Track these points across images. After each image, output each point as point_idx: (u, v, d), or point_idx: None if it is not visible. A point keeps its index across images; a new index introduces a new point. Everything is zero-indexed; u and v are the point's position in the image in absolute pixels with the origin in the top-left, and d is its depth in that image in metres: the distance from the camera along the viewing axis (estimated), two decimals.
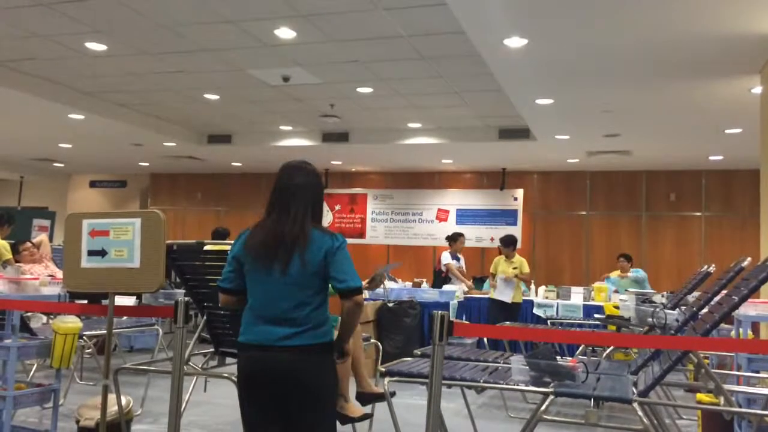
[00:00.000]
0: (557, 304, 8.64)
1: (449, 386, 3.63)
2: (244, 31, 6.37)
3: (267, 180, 14.66)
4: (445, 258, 9.35)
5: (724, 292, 3.76)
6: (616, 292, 8.73)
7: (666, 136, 9.53)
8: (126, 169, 15.39)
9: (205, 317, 4.05)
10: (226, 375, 3.69)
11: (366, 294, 6.04)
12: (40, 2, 5.84)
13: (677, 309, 4.34)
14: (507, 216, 13.18)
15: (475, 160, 12.36)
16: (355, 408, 3.91)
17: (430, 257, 13.73)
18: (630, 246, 12.10)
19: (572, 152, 11.02)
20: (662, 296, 5.67)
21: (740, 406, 3.90)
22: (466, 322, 8.30)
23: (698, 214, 12.33)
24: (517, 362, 3.55)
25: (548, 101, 7.77)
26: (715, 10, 5.00)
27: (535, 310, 8.62)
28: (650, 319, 4.20)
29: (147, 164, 14.44)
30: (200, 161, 13.41)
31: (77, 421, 4.28)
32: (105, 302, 3.83)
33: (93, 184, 16.39)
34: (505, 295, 8.26)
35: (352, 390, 3.81)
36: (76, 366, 6.30)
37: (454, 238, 9.45)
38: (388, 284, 9.05)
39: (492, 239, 12.72)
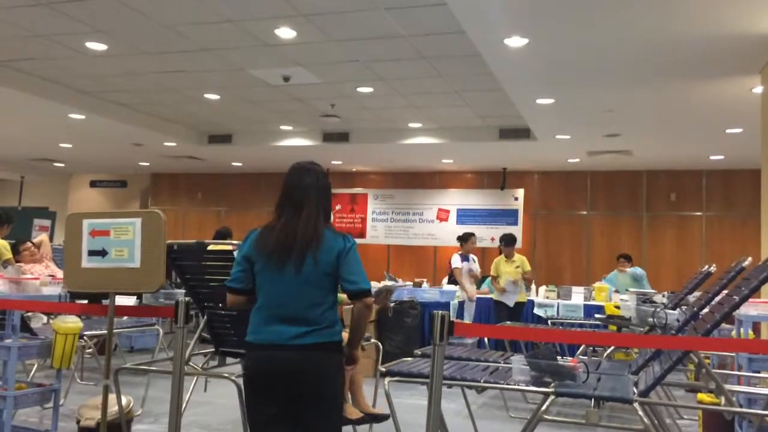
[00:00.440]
0: (558, 304, 8.64)
1: (450, 386, 3.63)
2: (245, 30, 6.37)
3: (267, 180, 14.69)
4: (455, 261, 8.74)
5: (725, 292, 3.75)
6: (617, 291, 8.73)
7: (667, 136, 9.53)
8: (126, 169, 15.40)
9: (205, 317, 4.05)
10: (226, 375, 3.69)
11: None
12: (41, 2, 5.84)
13: (678, 309, 4.33)
14: (507, 216, 13.18)
15: (475, 160, 12.36)
16: (353, 410, 3.93)
17: (431, 257, 13.73)
18: (630, 246, 12.10)
19: (573, 152, 11.02)
20: (663, 296, 5.67)
21: (741, 406, 3.90)
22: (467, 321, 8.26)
23: (699, 213, 12.33)
24: (518, 362, 3.55)
25: (549, 101, 7.77)
26: (715, 11, 5.00)
27: (536, 310, 8.62)
28: (651, 319, 4.20)
29: (147, 164, 14.45)
30: (201, 161, 13.41)
31: (78, 421, 4.27)
32: (105, 302, 3.83)
33: (93, 184, 16.39)
34: (511, 299, 8.16)
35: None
36: (76, 366, 6.29)
37: (465, 239, 8.84)
38: (388, 284, 9.04)
39: (492, 239, 12.71)
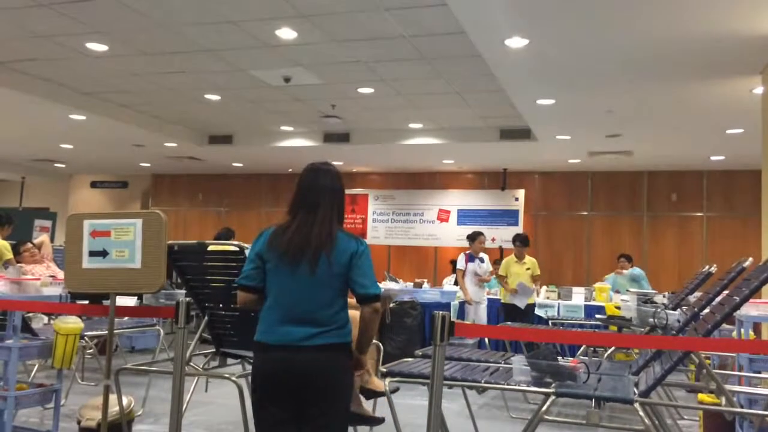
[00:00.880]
0: (558, 304, 8.63)
1: (450, 386, 3.63)
2: (246, 31, 6.38)
3: (268, 180, 14.69)
4: (459, 262, 8.41)
5: (726, 292, 3.76)
6: (617, 292, 8.72)
7: (667, 137, 9.53)
8: (127, 169, 15.41)
9: (206, 318, 4.05)
10: (227, 375, 3.69)
11: None
12: (42, 3, 5.84)
13: (678, 309, 4.33)
14: (508, 216, 13.18)
15: (476, 160, 12.36)
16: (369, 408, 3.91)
17: (432, 258, 13.73)
18: (631, 246, 12.10)
19: (573, 152, 11.02)
20: (663, 297, 5.66)
21: (742, 407, 3.90)
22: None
23: (699, 214, 12.33)
24: (519, 363, 3.55)
25: (549, 101, 7.77)
26: (716, 12, 5.00)
27: (537, 311, 8.61)
28: (651, 320, 4.20)
29: (148, 165, 14.46)
30: (201, 162, 13.42)
31: (78, 422, 4.28)
32: (106, 303, 3.83)
33: (94, 185, 16.40)
34: (523, 301, 8.04)
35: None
36: (77, 366, 6.29)
37: (472, 238, 8.44)
38: (389, 284, 9.04)
39: (493, 239, 12.71)
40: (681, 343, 3.28)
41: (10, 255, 6.82)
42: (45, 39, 6.82)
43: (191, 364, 3.87)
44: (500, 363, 4.09)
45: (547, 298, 8.93)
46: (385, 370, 3.65)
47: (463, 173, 13.64)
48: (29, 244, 7.26)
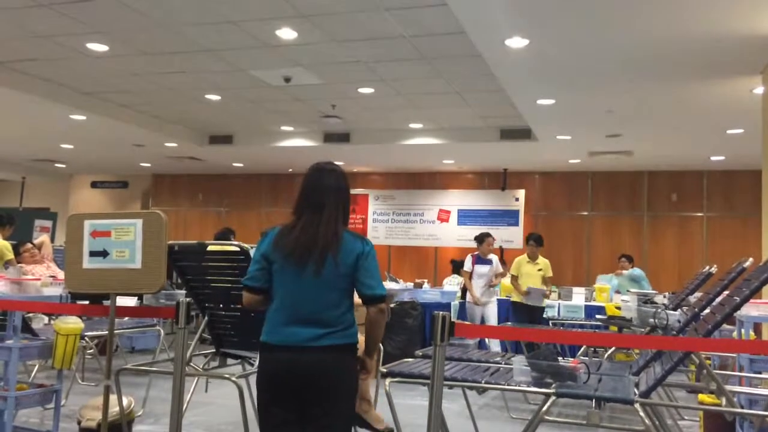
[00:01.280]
0: (559, 304, 8.62)
1: (451, 387, 3.63)
2: (246, 31, 6.38)
3: (268, 180, 14.70)
4: (466, 264, 8.21)
5: (726, 292, 3.75)
6: (618, 292, 8.72)
7: (667, 137, 9.53)
8: (127, 169, 15.41)
9: (206, 318, 4.05)
10: (227, 376, 3.69)
11: None
12: (42, 3, 5.84)
13: (679, 310, 4.33)
14: (508, 216, 13.18)
15: (476, 160, 12.36)
16: (379, 417, 3.90)
17: (432, 258, 13.73)
18: (631, 246, 12.10)
19: (574, 152, 11.02)
20: (664, 297, 5.66)
21: (742, 407, 3.89)
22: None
23: (700, 214, 12.32)
24: (519, 363, 3.55)
25: (550, 102, 7.77)
26: (716, 12, 5.00)
27: None
28: (652, 320, 4.20)
29: (148, 165, 14.46)
30: (201, 162, 13.42)
31: (79, 422, 4.28)
32: (106, 303, 3.83)
33: (94, 185, 16.40)
34: (537, 301, 7.86)
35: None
36: (77, 367, 6.29)
37: (480, 239, 8.23)
38: (390, 285, 9.03)
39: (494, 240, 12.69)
40: (681, 343, 3.28)
41: (11, 255, 6.82)
42: (45, 39, 6.82)
43: (191, 364, 3.87)
44: (500, 363, 4.09)
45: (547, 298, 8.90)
46: (385, 370, 3.65)
47: (463, 173, 13.64)
48: (29, 245, 7.26)
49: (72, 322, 3.92)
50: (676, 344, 3.30)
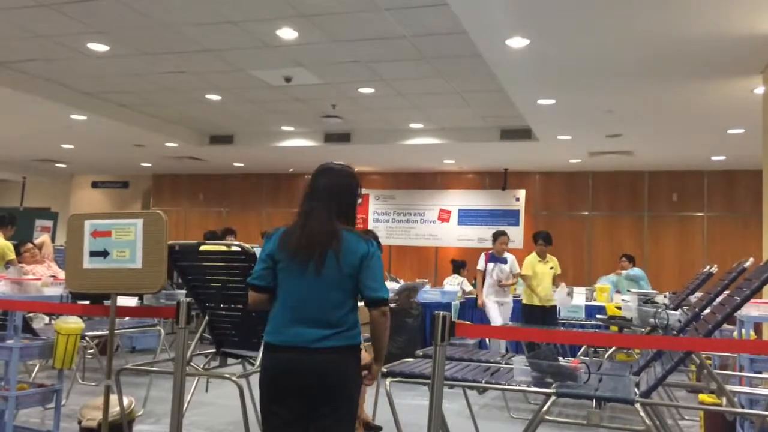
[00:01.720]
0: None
1: (451, 387, 3.63)
2: (246, 31, 6.38)
3: (269, 180, 14.70)
4: (479, 262, 8.08)
5: (727, 292, 3.76)
6: (618, 292, 8.71)
7: (668, 137, 9.52)
8: (128, 169, 15.42)
9: (206, 318, 4.05)
10: (227, 375, 3.69)
11: None
12: (42, 3, 5.84)
13: (679, 310, 4.34)
14: (509, 216, 13.18)
15: (476, 160, 12.36)
16: (368, 414, 3.91)
17: (432, 258, 13.73)
18: (632, 246, 12.09)
19: (574, 152, 11.01)
20: (664, 297, 5.66)
21: (742, 407, 3.89)
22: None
23: (700, 214, 12.32)
24: (519, 363, 3.55)
25: (550, 101, 7.77)
26: (717, 11, 4.99)
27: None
28: (652, 320, 4.20)
29: (149, 165, 14.46)
30: (202, 162, 13.42)
31: (79, 422, 4.28)
32: (107, 303, 3.83)
33: (95, 185, 16.41)
34: (552, 301, 7.70)
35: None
36: (78, 366, 6.29)
37: (495, 237, 8.05)
38: (390, 284, 9.03)
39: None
40: (682, 343, 3.28)
41: (12, 255, 6.83)
42: (45, 39, 6.82)
43: (192, 364, 3.87)
44: (501, 363, 4.09)
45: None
46: (386, 370, 3.65)
47: (463, 173, 13.64)
48: (30, 245, 7.27)
49: (73, 322, 3.93)
50: (677, 344, 3.30)
